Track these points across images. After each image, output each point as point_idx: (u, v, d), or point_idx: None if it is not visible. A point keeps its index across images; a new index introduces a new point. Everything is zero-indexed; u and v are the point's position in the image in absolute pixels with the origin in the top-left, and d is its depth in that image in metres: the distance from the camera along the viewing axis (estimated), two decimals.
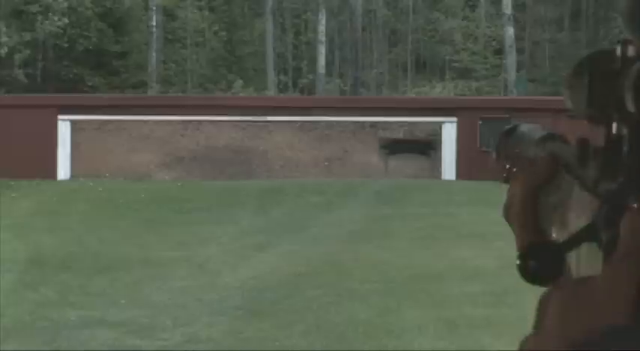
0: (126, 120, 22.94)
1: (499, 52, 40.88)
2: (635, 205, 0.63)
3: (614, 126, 0.68)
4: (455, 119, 22.90)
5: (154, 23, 39.38)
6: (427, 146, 22.87)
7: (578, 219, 0.74)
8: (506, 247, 10.09)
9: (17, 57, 34.31)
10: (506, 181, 1.05)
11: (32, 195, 19.48)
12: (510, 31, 36.49)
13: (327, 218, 16.58)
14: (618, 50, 0.68)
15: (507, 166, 1.04)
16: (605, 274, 0.62)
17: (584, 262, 0.71)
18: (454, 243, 13.74)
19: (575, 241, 0.69)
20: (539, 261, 0.68)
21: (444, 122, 22.99)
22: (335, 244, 13.98)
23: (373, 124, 23.28)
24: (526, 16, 42.46)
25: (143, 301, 10.70)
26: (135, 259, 12.95)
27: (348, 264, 12.37)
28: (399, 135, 23.15)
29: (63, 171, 22.45)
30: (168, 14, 41.80)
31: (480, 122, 22.52)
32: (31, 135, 22.01)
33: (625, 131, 0.68)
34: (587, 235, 0.69)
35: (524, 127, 1.07)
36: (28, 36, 34.52)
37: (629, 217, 0.62)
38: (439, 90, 39.59)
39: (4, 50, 32.96)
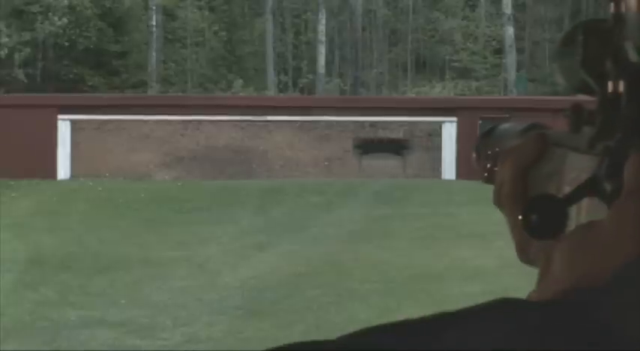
0: (126, 120, 22.94)
1: (499, 51, 40.89)
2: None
3: (610, 83, 0.71)
4: (455, 119, 22.91)
5: (154, 23, 39.38)
6: (401, 146, 22.80)
7: (574, 181, 0.76)
8: (506, 247, 10.09)
9: (17, 57, 34.32)
10: (487, 181, 1.06)
11: (32, 195, 19.48)
12: (510, 30, 36.50)
13: (327, 218, 16.58)
14: (611, 7, 0.70)
15: (488, 166, 1.05)
16: (611, 215, 0.63)
17: (584, 218, 0.72)
18: (454, 243, 13.74)
19: (577, 195, 0.71)
20: (541, 215, 0.69)
21: (443, 122, 23.00)
22: (335, 244, 13.98)
23: (373, 124, 23.29)
24: (526, 16, 42.47)
25: (143, 301, 10.70)
26: (135, 259, 12.95)
27: (348, 264, 12.37)
28: (400, 134, 23.14)
29: (63, 171, 22.45)
30: (168, 14, 41.80)
31: (480, 122, 22.52)
32: (31, 135, 22.00)
33: (621, 87, 0.70)
34: (589, 188, 0.70)
35: (504, 126, 1.09)
36: (27, 36, 34.53)
37: (632, 159, 0.64)
38: (439, 90, 39.60)
39: (4, 51, 32.97)
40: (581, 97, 0.82)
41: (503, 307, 0.55)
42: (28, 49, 34.80)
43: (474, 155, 1.10)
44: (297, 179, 21.77)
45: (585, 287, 0.52)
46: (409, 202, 18.08)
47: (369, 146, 22.87)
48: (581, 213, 0.73)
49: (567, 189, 0.77)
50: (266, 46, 41.01)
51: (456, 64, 42.14)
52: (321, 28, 39.30)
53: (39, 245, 13.95)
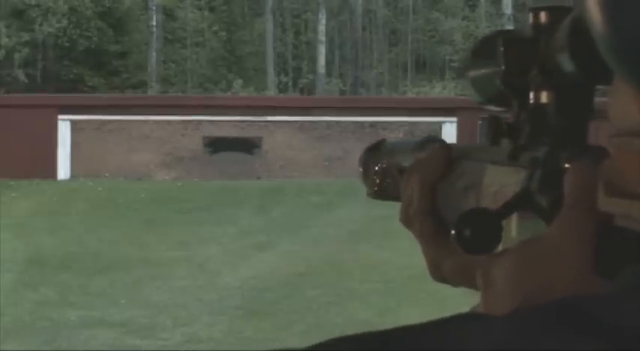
0: (126, 120, 22.94)
1: None
2: (568, 166, 0.64)
3: (532, 94, 0.70)
4: (455, 119, 22.91)
5: (154, 23, 39.39)
6: (252, 145, 22.71)
7: (496, 195, 0.74)
8: None
9: (17, 57, 34.33)
10: (376, 196, 1.03)
11: (32, 195, 19.49)
12: None
13: (327, 218, 16.58)
14: (530, 18, 0.69)
15: (377, 181, 1.02)
16: (554, 230, 0.62)
17: (514, 232, 0.70)
18: None
19: (509, 209, 0.69)
20: (475, 229, 0.67)
21: (444, 122, 23.00)
22: (335, 244, 13.98)
23: (373, 124, 23.29)
24: (526, 16, 42.38)
25: (143, 301, 10.70)
26: (135, 259, 12.96)
27: (348, 264, 12.37)
28: (400, 134, 23.13)
29: (63, 171, 22.45)
30: (168, 14, 41.81)
31: (480, 122, 22.53)
32: (31, 135, 22.00)
33: (544, 97, 0.69)
34: (520, 202, 0.68)
35: (392, 141, 1.06)
36: (26, 36, 34.55)
37: (572, 171, 0.63)
38: (439, 90, 39.59)
39: (2, 53, 33.00)
40: (493, 109, 0.79)
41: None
42: (27, 50, 34.81)
43: (361, 170, 1.07)
44: (297, 179, 21.78)
45: (581, 295, 0.51)
46: None
47: (219, 145, 22.66)
48: (511, 227, 0.71)
49: (488, 203, 0.75)
50: (266, 46, 41.01)
51: (456, 64, 42.14)
52: (321, 28, 39.29)
53: (39, 245, 13.95)
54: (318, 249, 13.54)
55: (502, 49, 0.70)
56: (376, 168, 1.04)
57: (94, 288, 11.41)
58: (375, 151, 1.06)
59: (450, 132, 22.90)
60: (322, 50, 39.52)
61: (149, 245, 14.04)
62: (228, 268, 12.45)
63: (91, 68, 37.15)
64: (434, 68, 44.91)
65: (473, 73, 0.78)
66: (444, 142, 0.95)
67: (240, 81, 37.66)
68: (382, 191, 1.03)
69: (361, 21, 43.51)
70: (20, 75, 34.37)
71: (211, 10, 43.09)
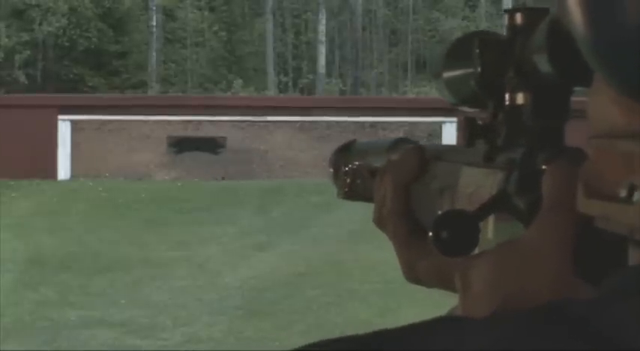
0: (126, 120, 22.94)
1: None
2: (545, 167, 0.64)
3: (508, 96, 0.69)
4: (455, 119, 22.90)
5: (154, 23, 39.39)
6: (216, 145, 22.66)
7: (472, 196, 0.73)
8: None
9: (17, 57, 34.33)
10: (347, 197, 1.02)
11: (32, 195, 19.49)
12: None
13: (327, 218, 16.58)
14: (506, 19, 0.68)
15: (348, 182, 1.01)
16: (533, 232, 0.61)
17: (491, 234, 0.70)
18: None
19: (486, 211, 0.68)
20: (453, 231, 0.66)
21: (444, 122, 23.00)
22: (335, 244, 13.98)
23: (373, 124, 23.29)
24: None
25: (143, 301, 10.70)
26: (135, 259, 12.96)
27: (348, 264, 12.37)
28: (401, 134, 23.10)
29: (63, 171, 22.45)
30: (168, 14, 41.80)
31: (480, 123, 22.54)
32: (31, 135, 22.00)
33: (520, 99, 0.68)
34: (498, 203, 0.68)
35: (363, 142, 1.05)
36: (26, 36, 34.54)
37: (550, 172, 0.62)
38: None
39: (2, 53, 32.99)
40: (467, 110, 0.79)
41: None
42: (27, 50, 34.81)
43: (331, 170, 1.07)
44: (297, 179, 21.77)
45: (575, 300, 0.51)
46: None
47: (184, 145, 22.59)
48: (488, 229, 0.71)
49: (464, 205, 0.74)
50: (266, 46, 41.01)
51: None
52: (322, 28, 39.29)
53: (39, 245, 13.95)
54: (318, 249, 13.54)
55: (478, 50, 0.70)
56: (346, 169, 1.04)
57: (94, 288, 11.41)
58: (345, 151, 1.05)
59: (450, 132, 22.89)
60: (322, 50, 39.52)
61: (149, 245, 14.04)
62: (228, 268, 12.45)
63: (91, 68, 37.14)
64: None
65: (447, 75, 0.78)
66: (416, 143, 0.95)
67: (240, 81, 37.64)
68: (352, 192, 1.03)
69: (361, 21, 43.51)
70: (20, 75, 34.36)
71: (211, 10, 43.09)
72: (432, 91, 39.63)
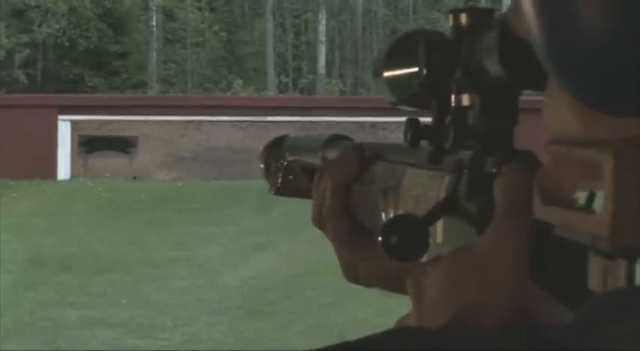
0: (126, 120, 22.93)
1: None
2: (495, 170, 0.62)
3: (454, 97, 0.67)
4: None
5: (154, 23, 39.38)
6: (127, 144, 22.59)
7: (419, 199, 0.71)
8: None
9: (17, 57, 34.32)
10: (279, 192, 1.01)
11: (32, 195, 19.49)
12: None
13: None
14: (450, 20, 0.66)
15: (280, 178, 1.00)
16: (488, 238, 0.60)
17: (440, 239, 0.69)
18: None
19: (436, 215, 0.67)
20: (402, 236, 0.65)
21: None
22: None
23: (373, 125, 23.30)
24: None
25: (143, 301, 10.71)
26: (135, 259, 12.96)
27: None
28: (401, 134, 23.09)
29: (63, 171, 22.45)
30: (168, 14, 41.80)
31: None
32: (31, 135, 22.00)
33: (466, 100, 0.66)
34: (448, 208, 0.66)
35: (295, 137, 1.03)
36: (26, 37, 34.54)
37: (503, 176, 0.61)
38: None
39: (3, 53, 32.98)
40: (407, 109, 0.77)
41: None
42: (27, 50, 34.80)
43: (262, 166, 1.05)
44: None
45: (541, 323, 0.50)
46: None
47: (94, 144, 22.50)
48: (436, 233, 0.69)
49: (409, 208, 0.72)
50: (266, 47, 41.01)
51: None
52: (322, 28, 39.28)
53: (39, 245, 13.95)
54: (317, 249, 13.52)
55: (424, 50, 0.68)
56: (278, 165, 1.02)
57: (94, 288, 11.41)
58: (276, 147, 1.04)
59: None
60: (322, 50, 39.51)
61: (149, 245, 14.04)
62: (228, 268, 12.45)
63: (91, 68, 37.13)
64: None
65: (389, 73, 0.75)
66: (351, 139, 0.93)
67: (240, 81, 37.63)
68: (285, 188, 1.01)
69: (361, 21, 43.51)
70: (20, 75, 34.35)
71: (211, 10, 43.09)
72: None
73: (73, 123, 22.67)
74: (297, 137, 1.03)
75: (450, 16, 0.65)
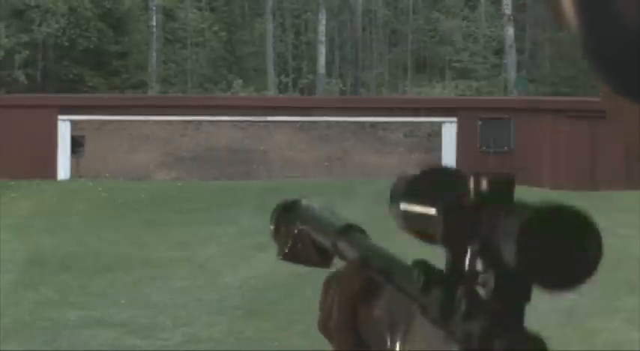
0: (126, 120, 22.94)
1: (499, 52, 40.90)
2: None
3: (468, 263, 0.63)
4: (455, 119, 22.91)
5: (154, 23, 39.38)
6: (76, 144, 22.52)
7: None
8: None
9: (17, 57, 34.32)
10: (287, 258, 0.99)
11: (32, 195, 19.49)
12: (510, 31, 36.49)
13: None
14: (471, 182, 0.62)
15: (290, 244, 0.98)
16: None
17: None
18: None
19: None
20: None
21: (444, 122, 22.99)
22: None
23: (373, 124, 23.29)
24: (526, 16, 42.45)
25: (143, 302, 10.71)
26: (135, 260, 12.96)
27: None
28: (401, 134, 23.09)
29: (63, 171, 22.45)
30: (168, 14, 41.81)
31: (480, 122, 22.53)
32: (31, 135, 22.01)
33: (481, 267, 0.62)
34: None
35: (310, 206, 1.00)
36: (26, 37, 34.53)
37: None
38: (439, 90, 39.59)
39: (2, 53, 32.96)
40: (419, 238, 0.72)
41: None
42: (27, 50, 34.80)
43: (272, 227, 1.04)
44: (297, 179, 21.77)
45: None
46: None
47: None
48: None
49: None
50: (266, 47, 41.02)
51: (456, 64, 42.15)
52: (322, 28, 39.29)
53: (39, 245, 13.95)
54: None
55: (442, 216, 0.63)
56: (288, 230, 1.01)
57: (94, 288, 11.41)
58: (289, 210, 1.01)
59: (449, 132, 22.90)
60: (322, 50, 39.52)
61: (149, 245, 14.04)
62: (228, 268, 12.45)
63: (91, 68, 37.13)
64: (434, 68, 44.91)
65: (406, 207, 0.71)
66: (364, 232, 0.91)
67: (240, 81, 37.63)
68: (293, 255, 1.00)
69: (361, 21, 43.51)
70: (20, 75, 34.34)
71: (211, 10, 43.09)
72: (432, 91, 39.65)
73: (73, 123, 22.67)
74: (311, 207, 1.00)
75: (471, 179, 0.62)
